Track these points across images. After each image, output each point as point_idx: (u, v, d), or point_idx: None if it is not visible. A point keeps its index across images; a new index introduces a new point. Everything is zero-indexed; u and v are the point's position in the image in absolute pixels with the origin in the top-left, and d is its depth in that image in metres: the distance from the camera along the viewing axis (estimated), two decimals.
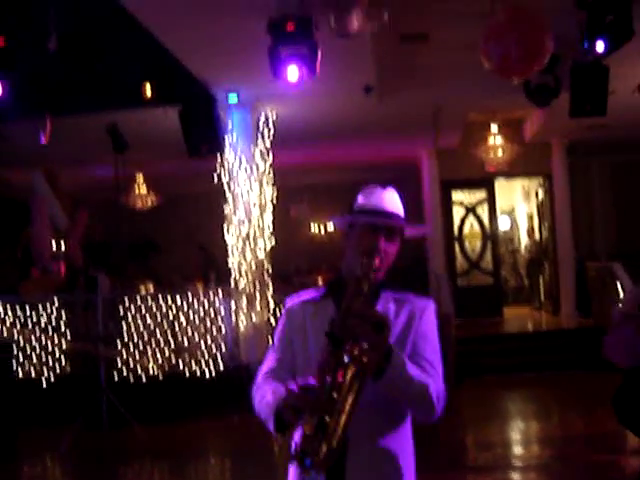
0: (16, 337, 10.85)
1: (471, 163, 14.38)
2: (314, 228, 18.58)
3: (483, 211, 15.74)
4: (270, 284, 10.71)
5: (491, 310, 15.05)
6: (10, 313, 11.05)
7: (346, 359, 2.21)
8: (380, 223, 2.64)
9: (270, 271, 10.76)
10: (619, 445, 7.74)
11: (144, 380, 10.30)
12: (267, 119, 10.59)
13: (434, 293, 14.17)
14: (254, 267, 10.47)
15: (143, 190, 14.66)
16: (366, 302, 2.35)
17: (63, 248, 14.40)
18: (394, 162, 15.78)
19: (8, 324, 11.02)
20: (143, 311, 10.89)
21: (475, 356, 11.88)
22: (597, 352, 3.15)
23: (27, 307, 11.05)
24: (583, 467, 7.10)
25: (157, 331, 10.83)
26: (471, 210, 15.71)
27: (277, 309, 10.70)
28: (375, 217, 2.65)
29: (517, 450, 8.10)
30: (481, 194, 15.72)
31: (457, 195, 15.70)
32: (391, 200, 2.74)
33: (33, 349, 10.78)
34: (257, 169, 10.50)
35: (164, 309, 10.82)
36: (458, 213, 15.71)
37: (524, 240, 18.33)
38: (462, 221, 15.71)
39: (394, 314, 2.57)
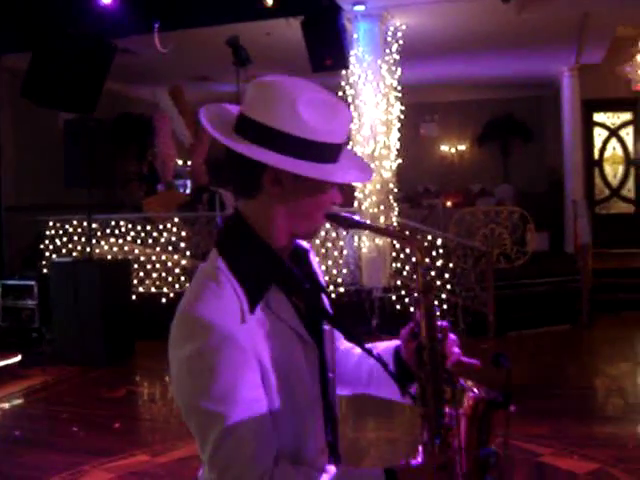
0: (137, 253, 10.85)
1: (616, 82, 13.33)
2: (444, 147, 17.85)
3: (627, 134, 14.65)
4: (395, 206, 10.22)
5: (631, 241, 14.05)
6: (132, 230, 11.03)
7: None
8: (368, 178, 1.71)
9: (396, 192, 10.27)
10: None
11: None
12: (395, 31, 9.93)
13: (570, 221, 13.39)
14: (379, 188, 9.98)
15: None
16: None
17: (188, 165, 14.33)
18: (532, 79, 14.86)
19: (129, 240, 11.01)
20: None
21: (612, 290, 11.10)
22: None
23: (148, 225, 11.00)
24: None
25: None
26: (614, 133, 14.65)
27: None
28: (365, 172, 1.70)
29: None
30: (626, 116, 14.62)
31: (599, 116, 14.65)
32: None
33: (153, 266, 10.73)
34: (384, 84, 9.91)
35: None
36: (600, 136, 14.69)
37: None
38: (603, 144, 14.69)
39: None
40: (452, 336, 1.68)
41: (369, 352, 1.74)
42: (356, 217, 1.71)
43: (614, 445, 5.66)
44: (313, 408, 1.66)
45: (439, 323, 1.63)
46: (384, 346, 1.84)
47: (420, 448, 1.61)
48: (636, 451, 5.52)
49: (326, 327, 1.72)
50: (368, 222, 1.75)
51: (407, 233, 1.49)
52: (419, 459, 1.59)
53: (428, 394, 1.61)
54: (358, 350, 1.84)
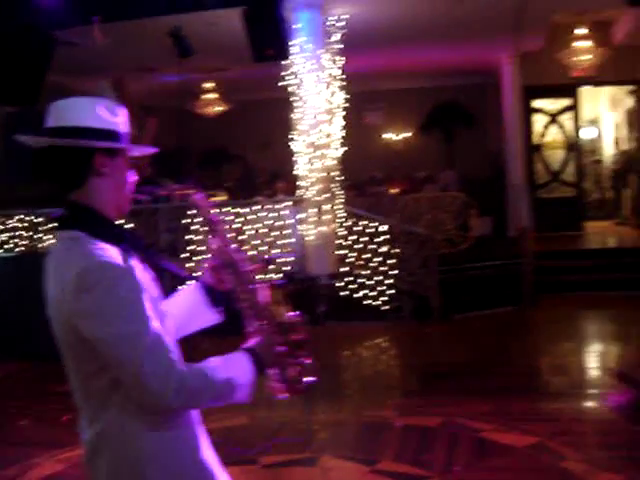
0: None
1: (555, 68, 13.54)
2: (389, 135, 18.03)
3: (566, 119, 14.94)
4: (339, 193, 10.33)
5: (571, 224, 14.40)
6: None
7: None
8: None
9: (340, 180, 10.37)
10: None
11: None
12: (337, 20, 10.02)
13: (512, 206, 13.65)
14: (323, 176, 10.09)
15: (212, 96, 14.32)
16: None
17: None
18: (473, 67, 15.10)
19: None
20: None
21: (553, 272, 11.37)
22: None
23: None
24: None
25: None
26: (554, 118, 14.93)
27: (347, 220, 10.36)
28: (149, 149, 2.28)
29: (595, 375, 7.63)
30: (565, 102, 14.90)
31: (539, 102, 14.91)
32: None
33: None
34: (326, 74, 10.00)
35: (232, 219, 10.58)
36: (540, 121, 14.95)
37: (609, 151, 17.43)
38: (544, 130, 14.97)
39: None
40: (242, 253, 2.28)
41: (188, 279, 2.24)
42: (155, 189, 2.29)
43: (554, 420, 5.88)
44: (170, 334, 2.08)
45: (230, 245, 2.26)
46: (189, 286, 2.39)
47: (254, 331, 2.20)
48: (574, 425, 5.73)
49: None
50: (157, 189, 2.26)
51: (190, 190, 2.04)
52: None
53: (241, 293, 2.23)
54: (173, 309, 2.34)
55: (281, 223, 10.43)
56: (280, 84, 10.09)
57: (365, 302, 10.09)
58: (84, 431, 2.04)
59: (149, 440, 1.97)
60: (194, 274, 10.09)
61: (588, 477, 4.67)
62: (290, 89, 10.08)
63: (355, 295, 10.10)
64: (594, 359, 8.36)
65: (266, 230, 10.41)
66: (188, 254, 10.25)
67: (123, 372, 1.88)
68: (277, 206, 10.52)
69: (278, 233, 10.42)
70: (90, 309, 1.87)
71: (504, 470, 4.90)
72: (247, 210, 10.49)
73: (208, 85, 14.25)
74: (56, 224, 2.09)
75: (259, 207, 10.53)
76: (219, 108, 14.34)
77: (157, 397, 1.87)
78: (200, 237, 10.43)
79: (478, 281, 10.81)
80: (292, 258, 10.33)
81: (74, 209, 2.03)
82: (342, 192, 10.46)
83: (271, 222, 10.41)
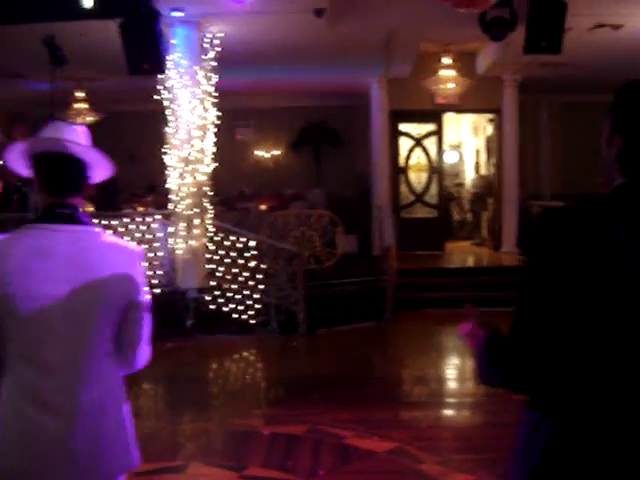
0: None
1: (421, 95, 14.20)
2: (259, 152, 18.27)
3: (431, 144, 15.59)
4: (210, 208, 10.45)
5: (433, 244, 15.00)
6: None
7: None
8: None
9: (211, 195, 10.49)
10: None
11: None
12: (213, 38, 10.18)
13: (377, 225, 14.12)
14: (193, 190, 10.19)
15: (83, 106, 14.17)
16: None
17: None
18: (344, 90, 15.54)
19: None
20: None
21: (414, 289, 11.85)
22: None
23: None
24: (517, 404, 7.09)
25: None
26: (419, 142, 15.55)
27: (216, 234, 10.49)
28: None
29: (452, 386, 8.10)
30: (429, 127, 15.54)
31: (405, 126, 15.50)
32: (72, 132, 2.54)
33: None
34: (200, 90, 10.14)
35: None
36: (405, 145, 15.54)
37: (470, 175, 18.27)
38: (409, 153, 15.56)
39: None
40: None
41: None
42: None
43: (413, 427, 6.24)
44: None
45: None
46: None
47: None
48: (430, 431, 6.10)
49: None
50: None
51: None
52: None
53: None
54: None
55: (150, 236, 10.47)
56: (153, 97, 10.14)
57: (233, 316, 10.25)
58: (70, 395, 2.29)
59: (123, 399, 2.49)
60: None
61: (443, 478, 5.02)
62: (164, 103, 10.14)
63: (223, 309, 10.24)
64: (451, 371, 8.84)
65: (135, 243, 10.39)
66: None
67: (137, 334, 2.46)
68: (147, 219, 10.56)
69: (147, 246, 10.44)
70: (140, 279, 2.45)
71: (365, 473, 5.19)
72: (116, 222, 10.47)
73: (79, 94, 14.10)
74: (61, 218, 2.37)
75: (128, 220, 10.53)
76: (90, 118, 14.19)
77: (142, 360, 2.50)
78: None
79: (343, 297, 11.14)
80: (160, 272, 10.38)
81: (77, 210, 2.43)
82: (212, 207, 10.59)
83: (141, 235, 10.43)
